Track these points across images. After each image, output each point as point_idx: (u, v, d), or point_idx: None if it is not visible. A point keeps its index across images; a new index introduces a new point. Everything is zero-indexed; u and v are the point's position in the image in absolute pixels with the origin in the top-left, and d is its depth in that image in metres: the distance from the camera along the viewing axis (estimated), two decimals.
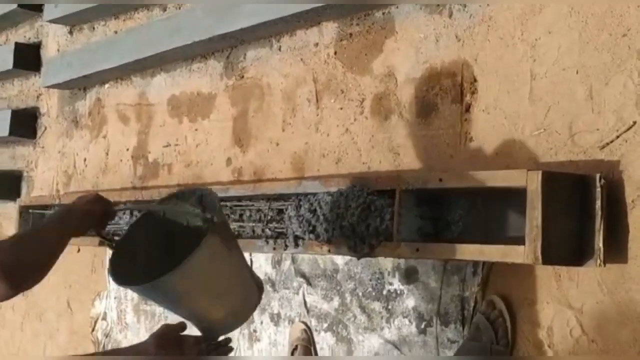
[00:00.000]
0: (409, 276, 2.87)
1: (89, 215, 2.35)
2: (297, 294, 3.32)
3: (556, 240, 2.22)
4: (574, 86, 2.41)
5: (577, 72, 2.41)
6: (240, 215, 3.37)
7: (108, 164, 4.64)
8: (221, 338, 2.45)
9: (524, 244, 2.22)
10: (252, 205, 3.32)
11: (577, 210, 2.26)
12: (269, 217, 3.21)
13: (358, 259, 2.81)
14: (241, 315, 2.46)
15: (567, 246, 2.25)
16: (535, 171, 2.22)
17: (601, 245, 2.20)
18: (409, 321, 2.86)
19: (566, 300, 2.39)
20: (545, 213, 2.19)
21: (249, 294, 2.44)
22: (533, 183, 2.22)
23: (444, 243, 2.53)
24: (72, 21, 5.00)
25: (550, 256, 2.20)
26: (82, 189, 4.81)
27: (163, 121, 4.23)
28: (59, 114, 5.16)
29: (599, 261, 2.21)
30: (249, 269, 2.51)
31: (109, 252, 4.18)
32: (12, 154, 5.69)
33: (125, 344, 4.40)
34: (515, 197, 2.44)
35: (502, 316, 2.56)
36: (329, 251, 2.87)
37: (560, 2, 2.46)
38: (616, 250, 2.24)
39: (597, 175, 2.23)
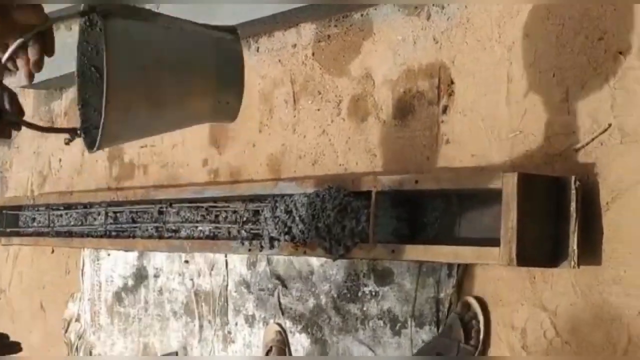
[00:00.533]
0: (385, 278, 2.87)
1: None
2: (272, 295, 3.31)
3: (531, 242, 2.22)
4: (550, 89, 2.42)
5: (553, 75, 2.42)
6: (216, 216, 3.36)
7: (83, 165, 4.61)
8: None
9: (499, 245, 2.22)
10: (228, 206, 3.31)
11: (552, 212, 2.27)
12: (244, 219, 3.20)
13: (334, 260, 2.80)
14: (231, 75, 1.98)
15: (541, 248, 2.26)
16: (511, 173, 2.23)
17: (575, 247, 2.21)
18: (384, 323, 2.85)
19: (540, 302, 2.40)
20: (520, 215, 2.19)
21: (218, 50, 1.95)
22: (509, 185, 2.22)
23: (419, 245, 2.53)
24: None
25: (525, 258, 2.20)
26: (57, 189, 4.78)
27: None
28: (35, 114, 5.12)
29: (573, 263, 2.21)
30: (203, 27, 2.05)
31: (83, 252, 4.16)
32: None
33: (98, 345, 4.38)
34: (491, 199, 2.44)
35: (475, 318, 2.57)
36: (305, 252, 2.87)
37: (538, 5, 2.47)
38: (590, 252, 2.25)
39: (572, 178, 2.24)
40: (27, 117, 5.07)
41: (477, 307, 2.57)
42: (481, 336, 2.55)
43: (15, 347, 2.40)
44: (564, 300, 2.34)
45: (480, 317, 2.56)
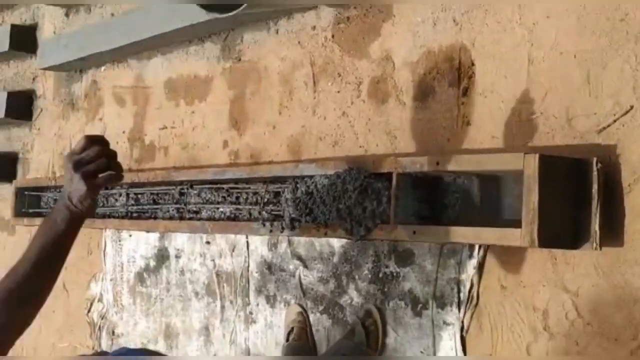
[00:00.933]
0: (405, 259, 2.88)
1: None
2: (294, 276, 3.33)
3: (553, 224, 2.23)
4: (572, 70, 2.42)
5: (574, 57, 2.41)
6: (237, 197, 3.38)
7: None
8: None
9: (520, 227, 2.23)
10: (249, 188, 3.33)
11: (574, 194, 2.27)
12: (265, 200, 3.22)
13: (355, 241, 2.82)
14: None
15: (563, 229, 2.26)
16: (532, 154, 2.23)
17: (597, 229, 2.22)
18: (405, 304, 2.87)
19: (562, 284, 2.40)
20: (542, 196, 2.20)
21: None
22: (530, 166, 2.22)
23: (440, 226, 2.54)
24: (69, 3, 4.98)
25: (546, 239, 2.21)
26: None
27: (159, 104, 4.23)
28: (55, 96, 5.16)
29: (595, 245, 2.22)
30: None
31: (105, 233, 4.19)
32: (8, 136, 5.69)
33: (121, 325, 4.41)
34: (512, 180, 2.45)
35: (375, 325, 2.88)
36: (326, 234, 2.88)
37: None
38: (612, 234, 2.25)
39: (594, 159, 2.24)
40: (48, 100, 5.14)
41: (378, 317, 2.90)
42: (380, 340, 2.90)
43: None
44: (586, 282, 2.35)
45: (379, 325, 2.89)
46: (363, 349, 2.90)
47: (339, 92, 3.19)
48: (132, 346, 2.38)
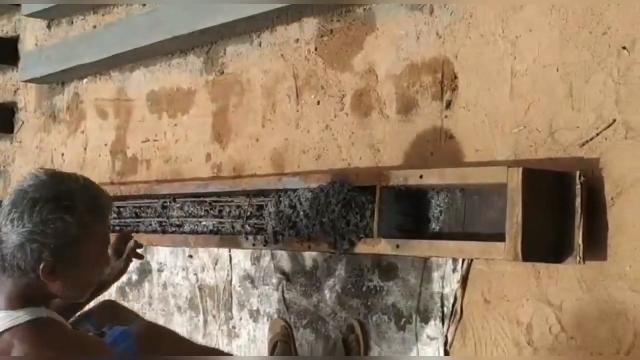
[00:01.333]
0: (389, 273, 2.87)
1: None
2: (277, 290, 3.31)
3: (536, 238, 2.23)
4: (555, 84, 2.42)
5: (557, 70, 2.41)
6: (220, 211, 3.37)
7: (86, 159, 4.62)
8: None
9: (504, 240, 2.22)
10: (232, 201, 3.31)
11: (558, 207, 2.27)
12: (248, 214, 3.20)
13: (338, 255, 2.81)
14: None
15: (547, 243, 2.26)
16: (515, 168, 2.23)
17: (581, 242, 2.22)
18: (389, 318, 2.86)
19: (546, 298, 2.40)
20: (525, 210, 2.20)
21: None
22: (514, 180, 2.22)
23: (424, 240, 2.53)
24: (51, 16, 4.96)
25: (530, 253, 2.21)
26: None
27: (142, 117, 4.21)
28: (37, 109, 5.13)
29: (578, 258, 2.22)
30: None
31: None
32: None
33: None
34: (495, 194, 2.45)
35: (357, 341, 2.86)
36: (309, 248, 2.88)
37: (541, 0, 2.47)
38: (596, 248, 2.25)
39: (577, 173, 2.24)
40: (30, 112, 5.09)
41: (360, 331, 2.88)
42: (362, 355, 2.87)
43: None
44: (569, 296, 2.34)
45: (361, 341, 2.87)
46: None
47: (322, 105, 3.18)
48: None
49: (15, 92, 5.41)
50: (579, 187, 2.23)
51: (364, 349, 2.87)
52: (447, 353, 2.67)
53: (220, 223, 3.36)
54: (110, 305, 2.86)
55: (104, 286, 2.73)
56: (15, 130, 5.35)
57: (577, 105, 2.35)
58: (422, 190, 2.66)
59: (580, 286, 2.31)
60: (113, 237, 2.60)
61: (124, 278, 4.16)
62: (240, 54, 3.61)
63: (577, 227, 2.23)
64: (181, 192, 3.58)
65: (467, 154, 2.65)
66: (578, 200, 2.23)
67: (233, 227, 3.28)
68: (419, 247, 2.52)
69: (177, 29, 3.73)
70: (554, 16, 2.43)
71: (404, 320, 2.81)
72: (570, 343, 2.34)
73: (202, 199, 3.47)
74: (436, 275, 2.72)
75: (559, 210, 2.27)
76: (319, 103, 3.20)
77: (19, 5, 5.17)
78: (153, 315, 3.99)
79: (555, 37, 2.43)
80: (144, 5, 4.16)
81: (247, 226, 3.19)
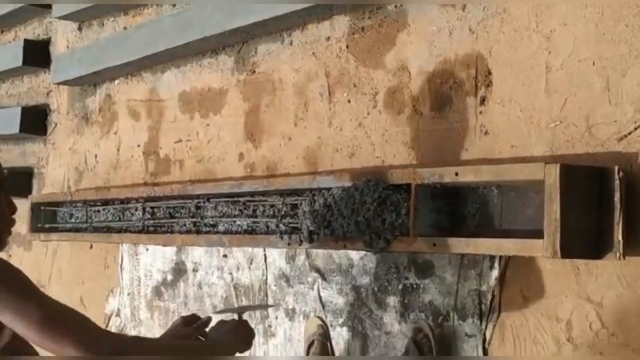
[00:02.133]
0: (425, 270, 2.86)
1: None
2: (312, 289, 3.31)
3: (575, 234, 2.20)
4: (591, 78, 2.39)
5: (593, 64, 2.39)
6: (254, 210, 3.37)
7: (119, 160, 4.64)
8: None
9: (542, 237, 2.21)
10: (266, 200, 3.31)
11: (596, 203, 2.25)
12: (283, 212, 3.20)
13: (374, 254, 2.79)
14: None
15: (585, 239, 2.24)
16: (553, 164, 2.21)
17: (620, 238, 2.19)
18: (426, 315, 2.85)
19: (585, 294, 2.38)
20: (563, 206, 2.18)
21: None
22: (551, 176, 2.20)
23: (460, 237, 2.52)
24: (81, 17, 4.99)
25: (569, 250, 2.19)
26: (93, 185, 4.81)
27: (174, 117, 4.22)
28: (69, 111, 5.16)
29: (618, 254, 2.19)
30: None
31: (122, 247, 4.18)
32: (23, 151, 5.69)
33: None
34: (532, 190, 2.43)
35: (426, 337, 2.75)
36: (345, 246, 2.87)
37: None
38: (636, 243, 2.22)
39: (616, 168, 2.21)
40: (62, 114, 5.16)
41: (428, 330, 2.78)
42: (434, 351, 2.74)
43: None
44: (609, 292, 2.32)
45: (431, 337, 2.76)
46: None
47: (354, 102, 3.17)
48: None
49: (48, 94, 5.45)
50: (617, 182, 2.21)
51: (436, 346, 2.76)
52: (485, 351, 2.65)
53: (254, 222, 3.36)
54: None
55: None
56: (49, 132, 5.38)
57: (614, 99, 2.33)
58: (458, 187, 2.64)
59: (620, 282, 2.29)
60: None
61: (159, 277, 4.21)
62: (271, 52, 3.61)
63: (616, 222, 2.20)
64: (215, 192, 3.59)
65: (503, 150, 2.63)
66: (617, 195, 2.21)
67: (267, 226, 3.28)
68: (456, 245, 2.51)
69: (207, 29, 3.74)
70: (589, 9, 2.41)
71: (441, 317, 2.80)
72: (611, 340, 2.31)
73: (235, 198, 3.48)
74: (473, 272, 2.70)
75: (597, 206, 2.25)
76: (349, 101, 3.19)
77: (50, 8, 5.20)
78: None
79: (591, 31, 2.40)
80: (174, 5, 4.17)
81: (281, 225, 3.18)
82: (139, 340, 2.40)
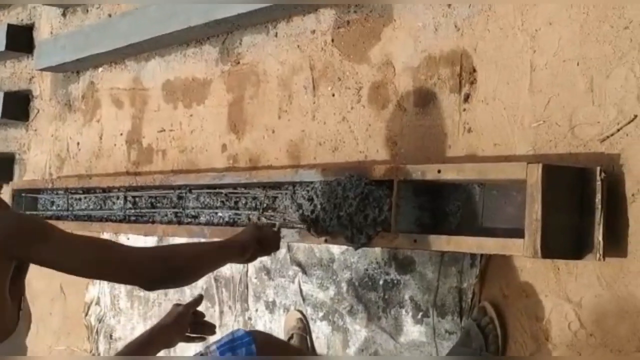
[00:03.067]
0: (406, 266, 2.86)
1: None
2: (293, 282, 3.30)
3: (556, 234, 2.21)
4: (575, 78, 2.39)
5: (577, 64, 2.39)
6: (236, 202, 3.36)
7: (102, 149, 4.62)
8: None
9: (523, 236, 2.21)
10: (248, 192, 3.30)
11: (577, 203, 2.25)
12: (264, 205, 3.19)
13: (355, 249, 2.79)
14: None
15: (566, 240, 2.25)
16: (535, 164, 2.21)
17: (601, 239, 2.20)
18: (406, 311, 2.85)
19: (565, 294, 2.38)
20: (545, 206, 2.18)
21: None
22: (533, 176, 2.20)
23: (442, 235, 2.52)
24: (66, 3, 4.95)
25: (549, 250, 2.19)
26: (75, 173, 4.79)
27: (157, 106, 4.20)
28: (52, 97, 5.13)
29: (598, 255, 2.20)
30: None
31: (103, 236, 4.17)
32: (5, 137, 5.66)
33: (118, 329, 4.39)
34: (514, 189, 2.43)
35: (492, 323, 2.57)
36: (326, 241, 2.86)
37: None
38: (616, 244, 2.23)
39: (598, 169, 2.22)
40: (45, 100, 5.12)
41: (493, 313, 2.57)
42: (500, 341, 2.55)
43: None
44: (588, 292, 2.32)
45: (497, 323, 2.56)
46: (483, 354, 2.59)
47: (338, 96, 3.17)
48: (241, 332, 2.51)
49: (30, 80, 5.41)
50: (599, 182, 2.21)
51: (501, 330, 2.58)
52: None
53: (236, 214, 3.35)
54: None
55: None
56: (31, 118, 5.35)
57: (598, 100, 2.33)
58: (440, 184, 2.64)
59: (600, 282, 2.30)
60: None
61: None
62: (256, 44, 3.60)
63: (597, 223, 2.21)
64: (197, 182, 3.57)
65: (486, 148, 2.63)
66: (598, 196, 2.21)
67: (249, 219, 3.27)
68: (437, 242, 2.51)
69: (192, 19, 3.72)
70: (574, 9, 2.41)
71: (421, 313, 2.80)
72: (590, 340, 2.32)
73: (217, 190, 3.46)
74: (454, 269, 2.70)
75: (578, 206, 2.25)
76: (334, 95, 3.19)
77: None
78: (168, 305, 3.99)
79: (576, 31, 2.40)
80: None
81: (263, 218, 3.18)
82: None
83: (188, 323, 2.62)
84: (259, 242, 2.60)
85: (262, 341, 2.50)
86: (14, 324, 2.12)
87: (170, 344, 2.59)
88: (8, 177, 5.46)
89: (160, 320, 2.60)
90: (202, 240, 3.27)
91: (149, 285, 2.30)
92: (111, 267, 2.20)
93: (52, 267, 2.16)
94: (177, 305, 2.66)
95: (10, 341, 2.09)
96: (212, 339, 2.66)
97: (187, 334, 2.64)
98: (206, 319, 2.74)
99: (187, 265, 2.32)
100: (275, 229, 2.76)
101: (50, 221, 4.51)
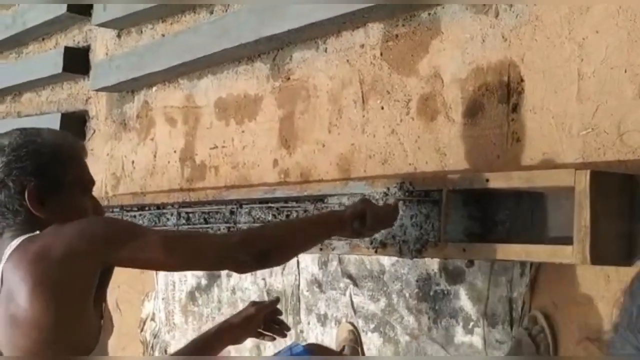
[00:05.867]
0: (456, 277, 2.87)
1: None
2: (344, 294, 3.32)
3: (605, 241, 2.20)
4: (623, 85, 2.39)
5: (625, 71, 2.39)
6: (287, 216, 3.39)
7: (156, 166, 4.68)
8: None
9: (572, 244, 2.21)
10: (299, 206, 3.33)
11: (626, 210, 2.25)
12: None
13: (410, 259, 2.80)
14: None
15: (615, 246, 2.24)
16: (583, 171, 2.21)
17: None
18: (456, 322, 2.85)
19: (615, 301, 2.37)
20: (593, 213, 2.18)
21: None
22: (581, 183, 2.20)
23: (491, 243, 2.53)
24: (120, 25, 5.05)
25: (598, 256, 2.19)
26: (130, 190, 4.86)
27: (210, 123, 4.26)
28: (108, 117, 5.21)
29: None
30: None
31: None
32: None
33: (173, 344, 4.44)
34: (563, 197, 2.43)
35: (543, 332, 2.55)
36: (377, 252, 2.88)
37: (608, 1, 2.44)
38: None
39: None
40: (100, 121, 5.20)
41: (544, 322, 2.55)
42: (551, 350, 2.53)
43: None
44: None
45: (548, 332, 2.54)
46: None
47: (388, 109, 3.19)
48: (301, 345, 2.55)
49: (87, 100, 5.51)
50: None
51: (552, 339, 2.55)
52: None
53: None
54: None
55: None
56: (87, 138, 5.44)
57: None
58: (489, 193, 2.65)
59: None
60: None
61: (193, 282, 4.24)
62: (306, 59, 3.64)
63: None
64: (248, 197, 3.62)
65: (534, 157, 2.63)
66: None
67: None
68: (486, 251, 2.52)
69: (243, 36, 3.77)
70: (621, 17, 2.41)
71: (471, 323, 2.81)
72: None
73: (269, 204, 3.50)
74: (503, 278, 2.70)
75: (628, 213, 2.25)
76: (383, 108, 3.21)
77: (90, 16, 5.26)
78: (222, 319, 4.03)
79: (623, 38, 2.40)
80: (211, 13, 4.21)
81: None
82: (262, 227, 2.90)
83: (259, 322, 2.72)
84: (368, 217, 2.55)
85: (318, 354, 2.52)
86: (97, 334, 2.17)
87: (236, 342, 2.72)
88: None
89: (230, 318, 2.73)
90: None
91: (240, 269, 2.41)
92: (201, 255, 2.28)
93: (142, 265, 2.31)
94: (254, 303, 2.78)
95: (95, 352, 2.13)
96: (272, 349, 2.70)
97: (260, 330, 2.76)
98: (261, 329, 2.79)
99: (277, 247, 2.37)
100: (391, 202, 2.72)
101: None
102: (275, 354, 2.55)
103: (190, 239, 2.34)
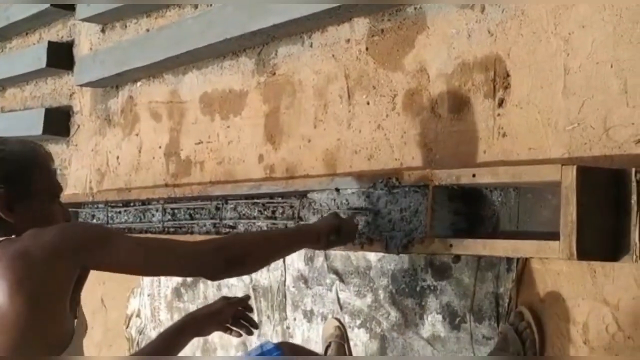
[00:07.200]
0: (442, 272, 2.86)
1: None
2: (330, 290, 3.31)
3: (591, 236, 2.20)
4: (608, 80, 2.39)
5: (611, 66, 2.38)
6: (273, 212, 3.38)
7: (140, 162, 4.66)
8: None
9: (558, 239, 2.20)
10: (285, 202, 3.32)
11: (613, 205, 2.24)
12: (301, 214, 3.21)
13: (397, 254, 2.79)
14: None
15: (602, 241, 2.23)
16: (569, 166, 2.20)
17: (637, 240, 2.18)
18: (443, 317, 2.85)
19: (602, 297, 2.37)
20: (580, 208, 2.17)
21: None
22: (568, 178, 2.20)
23: (477, 239, 2.52)
24: (105, 20, 5.02)
25: (585, 252, 2.18)
26: (115, 186, 4.83)
27: (195, 118, 4.24)
28: (92, 112, 5.19)
29: (635, 257, 2.18)
30: None
31: None
32: None
33: None
34: (549, 192, 2.43)
35: (529, 327, 2.55)
36: (363, 248, 2.87)
37: None
38: None
39: (633, 170, 2.20)
40: (85, 116, 5.18)
41: (530, 318, 2.56)
42: (537, 345, 2.53)
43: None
44: (626, 295, 2.31)
45: (534, 328, 2.54)
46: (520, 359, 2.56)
47: (373, 104, 3.18)
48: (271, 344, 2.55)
49: (71, 96, 5.48)
50: (634, 184, 2.19)
51: (539, 335, 2.55)
52: None
53: (274, 224, 3.37)
54: None
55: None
56: (71, 134, 5.42)
57: (632, 101, 2.32)
58: (475, 188, 2.64)
59: (637, 284, 2.28)
60: None
61: (179, 279, 4.23)
62: (292, 54, 3.62)
63: (633, 224, 2.19)
64: (234, 193, 3.60)
65: (520, 152, 2.63)
66: (634, 198, 2.19)
67: (286, 227, 3.29)
68: (473, 246, 2.51)
69: (228, 31, 3.76)
70: (607, 12, 2.40)
71: (458, 319, 2.80)
72: (627, 342, 2.31)
73: (254, 199, 3.49)
74: (490, 274, 2.70)
75: (614, 208, 2.24)
76: (368, 103, 3.20)
77: (73, 10, 5.23)
78: None
79: (609, 33, 2.40)
80: (196, 7, 4.19)
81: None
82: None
83: (228, 317, 2.74)
84: (343, 231, 2.71)
85: (289, 352, 2.51)
86: (71, 334, 2.18)
87: (202, 333, 2.74)
88: None
89: (197, 310, 2.77)
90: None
91: (213, 276, 2.42)
92: (175, 262, 2.32)
93: (118, 270, 2.31)
94: (225, 298, 2.80)
95: (69, 352, 2.14)
96: (241, 347, 2.70)
97: (227, 325, 2.76)
98: (229, 325, 2.80)
99: (250, 254, 2.42)
100: (355, 221, 2.83)
101: None
102: (248, 353, 2.57)
103: (166, 245, 2.37)
